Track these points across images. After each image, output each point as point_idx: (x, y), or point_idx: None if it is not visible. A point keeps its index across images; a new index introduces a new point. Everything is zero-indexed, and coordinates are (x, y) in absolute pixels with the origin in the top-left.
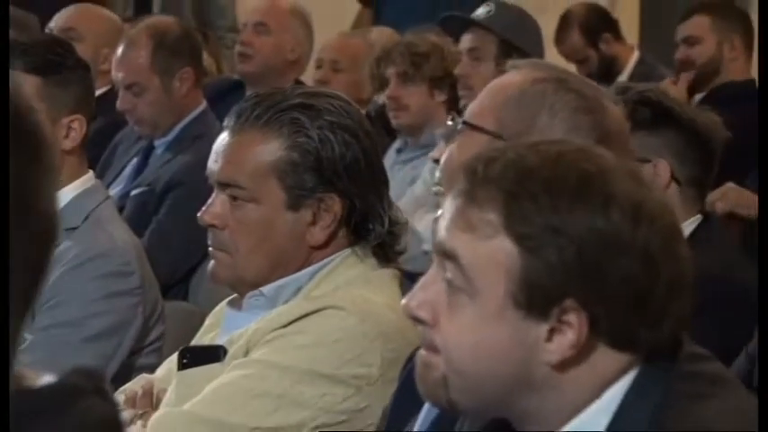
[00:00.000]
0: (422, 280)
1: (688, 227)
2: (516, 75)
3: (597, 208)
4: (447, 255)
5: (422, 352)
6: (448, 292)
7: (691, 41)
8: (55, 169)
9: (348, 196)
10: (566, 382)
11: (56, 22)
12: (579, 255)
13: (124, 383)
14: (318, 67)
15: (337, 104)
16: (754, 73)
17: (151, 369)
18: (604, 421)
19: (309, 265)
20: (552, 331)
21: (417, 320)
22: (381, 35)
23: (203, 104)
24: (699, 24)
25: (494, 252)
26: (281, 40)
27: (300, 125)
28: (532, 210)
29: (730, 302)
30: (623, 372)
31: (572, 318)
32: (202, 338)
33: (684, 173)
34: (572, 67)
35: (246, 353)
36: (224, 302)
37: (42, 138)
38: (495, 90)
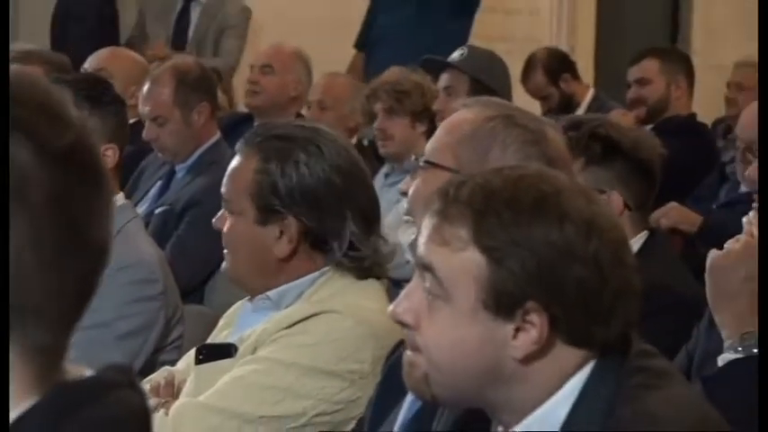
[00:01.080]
0: (405, 289)
1: (636, 243)
2: (468, 113)
3: (553, 223)
4: (425, 267)
5: (407, 352)
6: (428, 300)
7: (643, 82)
8: (111, 203)
9: (304, 219)
10: (531, 374)
11: (89, 63)
12: (539, 264)
13: (149, 376)
14: (308, 107)
15: (316, 141)
16: (695, 108)
17: (172, 363)
18: (565, 409)
19: (283, 274)
20: (518, 330)
21: (402, 324)
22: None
23: (218, 134)
24: (649, 67)
25: (465, 263)
26: (285, 79)
27: (271, 155)
28: (497, 225)
29: (673, 308)
30: (581, 366)
31: (534, 318)
32: (216, 337)
33: (633, 199)
34: (536, 103)
35: (255, 350)
36: (238, 304)
37: (104, 174)
38: (450, 128)
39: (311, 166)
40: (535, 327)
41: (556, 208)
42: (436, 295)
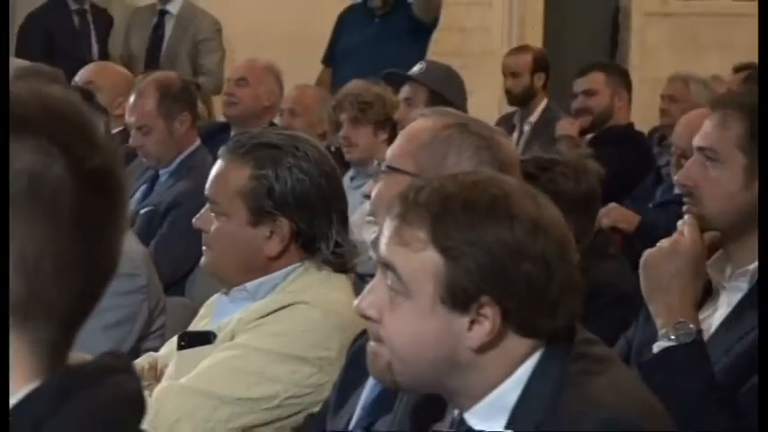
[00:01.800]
0: (369, 285)
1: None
2: (426, 122)
3: (504, 224)
4: (387, 266)
5: (371, 343)
6: (390, 295)
7: (589, 93)
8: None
9: (295, 221)
10: (485, 362)
11: (80, 77)
12: (491, 261)
13: (134, 361)
14: (280, 114)
15: (303, 148)
16: (632, 118)
17: (155, 350)
18: (515, 394)
19: (270, 271)
20: (473, 322)
21: (367, 318)
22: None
23: (198, 142)
24: (596, 80)
25: (424, 262)
26: (258, 91)
27: (264, 161)
28: (453, 227)
29: (617, 303)
30: (530, 354)
31: (488, 311)
32: (197, 325)
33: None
34: (491, 113)
35: (232, 337)
36: (216, 295)
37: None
38: (409, 136)
39: (303, 170)
40: (488, 319)
41: (506, 210)
42: (397, 291)
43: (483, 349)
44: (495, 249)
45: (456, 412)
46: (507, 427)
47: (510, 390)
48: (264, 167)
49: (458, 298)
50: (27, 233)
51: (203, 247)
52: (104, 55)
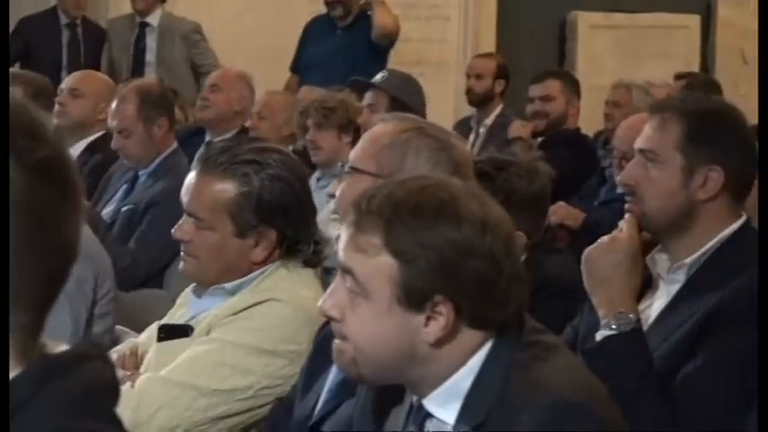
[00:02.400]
0: (330, 287)
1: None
2: (386, 126)
3: (452, 225)
4: (346, 270)
5: (336, 341)
6: (350, 297)
7: (546, 99)
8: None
9: (280, 229)
10: (441, 354)
11: (65, 84)
12: (442, 262)
13: (116, 347)
14: (251, 118)
15: (278, 158)
16: (579, 122)
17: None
18: (469, 381)
19: (251, 272)
20: (428, 319)
21: (330, 318)
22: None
23: (175, 145)
24: (552, 86)
25: (379, 266)
26: (230, 96)
27: (248, 177)
28: (404, 232)
29: (564, 294)
30: (482, 344)
31: (441, 308)
32: (175, 313)
33: (525, 230)
34: (447, 119)
35: (209, 331)
36: (188, 288)
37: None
38: (371, 139)
39: (282, 180)
40: (443, 315)
41: (453, 212)
42: (356, 293)
43: (439, 343)
44: (445, 250)
45: (414, 398)
46: (462, 410)
47: (464, 378)
48: (248, 183)
49: (413, 298)
50: None
51: (182, 254)
52: (95, 67)
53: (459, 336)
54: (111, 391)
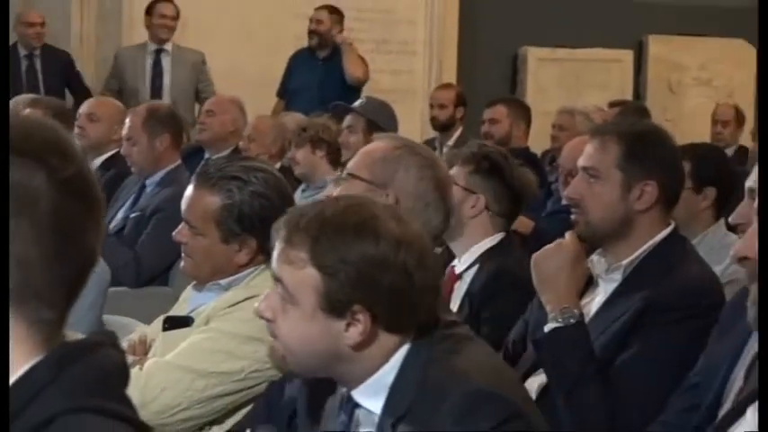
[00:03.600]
0: (266, 292)
1: (495, 239)
2: (381, 143)
3: (370, 242)
4: (277, 279)
5: (272, 338)
6: (281, 302)
7: (493, 121)
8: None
9: (260, 238)
10: (362, 356)
11: (82, 109)
12: (359, 275)
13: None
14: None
15: (261, 176)
16: (529, 143)
17: None
18: (392, 375)
19: (238, 272)
20: (348, 325)
21: (264, 319)
22: (292, 118)
23: (179, 161)
24: (499, 111)
25: (305, 278)
26: (224, 119)
27: (232, 192)
28: (328, 248)
29: (517, 287)
30: (401, 345)
31: (360, 316)
32: (179, 306)
33: (496, 208)
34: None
35: (207, 322)
36: (190, 286)
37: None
38: (368, 152)
39: (262, 195)
40: (361, 323)
41: (372, 230)
42: (286, 300)
43: (359, 346)
44: (363, 265)
45: (344, 390)
46: (386, 403)
47: (387, 373)
48: (231, 197)
49: (334, 307)
50: (15, 233)
51: (182, 254)
52: (53, 90)
53: (377, 339)
54: (122, 375)
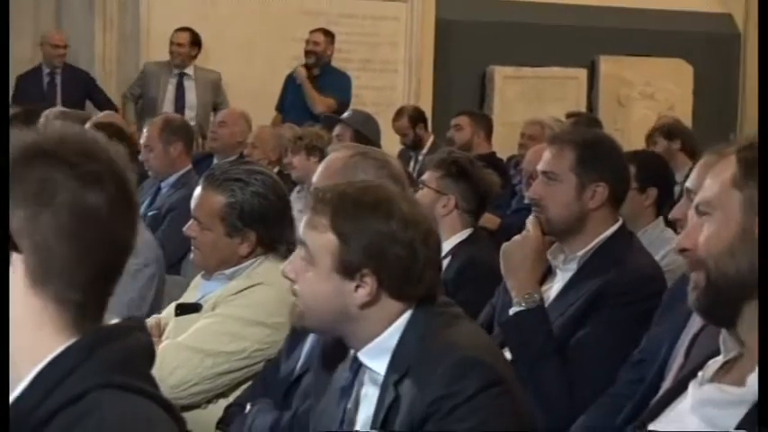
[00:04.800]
0: (291, 255)
1: (465, 234)
2: (337, 154)
3: (383, 218)
4: (302, 242)
5: (292, 298)
6: (303, 264)
7: (458, 128)
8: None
9: (260, 232)
10: (367, 316)
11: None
12: (371, 245)
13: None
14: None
15: (260, 178)
16: (495, 149)
17: None
18: (395, 339)
19: (241, 263)
20: (357, 287)
21: (288, 278)
22: (289, 128)
23: (190, 166)
24: (463, 120)
25: (324, 242)
26: (234, 130)
27: (234, 192)
28: (346, 218)
29: (487, 276)
30: (402, 312)
31: (368, 280)
32: (190, 293)
33: (465, 207)
34: (396, 144)
35: (214, 308)
36: (198, 276)
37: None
38: (328, 165)
39: (261, 195)
40: (369, 285)
41: (386, 208)
42: (307, 261)
43: (365, 306)
44: (375, 237)
45: (353, 352)
46: (391, 362)
47: (390, 336)
48: (234, 196)
49: (347, 269)
50: (33, 221)
51: (192, 247)
52: (71, 102)
53: (381, 302)
54: (148, 356)
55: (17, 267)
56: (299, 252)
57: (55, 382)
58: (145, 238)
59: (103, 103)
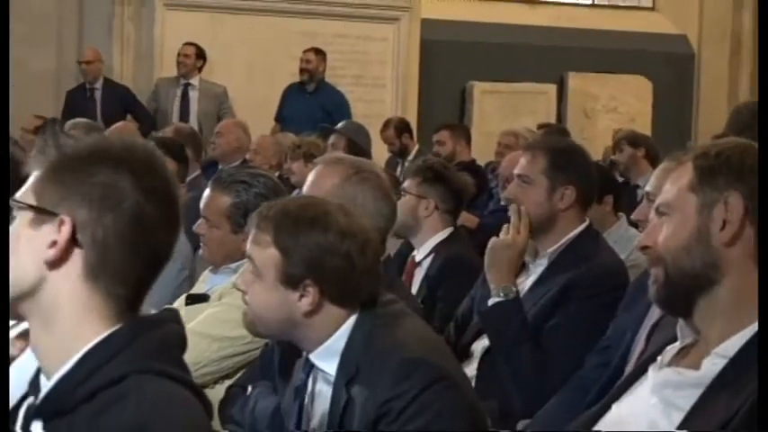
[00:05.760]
0: (243, 267)
1: (445, 233)
2: (326, 169)
3: (321, 232)
4: (248, 257)
5: (245, 307)
6: (252, 276)
7: (440, 143)
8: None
9: None
10: (313, 322)
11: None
12: (311, 258)
13: None
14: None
15: (263, 181)
16: (475, 156)
17: None
18: (343, 342)
19: (245, 257)
20: (301, 296)
21: (240, 290)
22: (288, 137)
23: (198, 170)
24: (443, 134)
25: (268, 256)
26: (229, 139)
27: (239, 193)
28: (287, 234)
29: (467, 272)
30: (346, 317)
31: (310, 290)
32: (199, 285)
33: (444, 207)
34: (385, 152)
35: (220, 298)
36: (207, 269)
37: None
38: (318, 176)
39: (263, 196)
40: (311, 294)
41: (324, 223)
42: (255, 274)
43: (310, 314)
44: (314, 250)
45: (305, 353)
46: (340, 364)
47: (338, 339)
48: (239, 197)
49: (290, 281)
50: (97, 221)
51: (201, 244)
52: (109, 116)
53: (324, 309)
54: (181, 345)
55: (75, 261)
56: (247, 266)
57: (97, 364)
58: (182, 245)
59: (143, 117)
